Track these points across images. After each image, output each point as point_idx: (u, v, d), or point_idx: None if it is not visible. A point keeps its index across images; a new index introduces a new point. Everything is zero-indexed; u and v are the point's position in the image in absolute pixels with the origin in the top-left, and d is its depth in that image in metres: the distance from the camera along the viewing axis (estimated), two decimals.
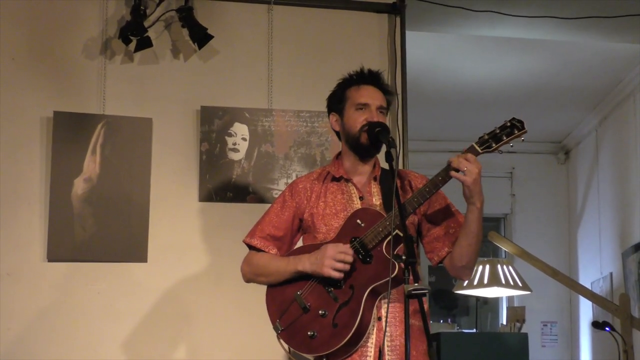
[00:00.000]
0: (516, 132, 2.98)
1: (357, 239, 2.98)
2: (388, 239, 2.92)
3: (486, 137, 2.98)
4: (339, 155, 3.25)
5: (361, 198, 3.12)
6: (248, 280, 3.21)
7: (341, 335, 2.91)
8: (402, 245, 2.86)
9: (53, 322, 4.19)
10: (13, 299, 4.17)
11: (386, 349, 2.95)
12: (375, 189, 3.15)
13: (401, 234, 2.85)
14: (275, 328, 3.02)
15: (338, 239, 3.02)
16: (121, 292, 4.27)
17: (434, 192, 2.97)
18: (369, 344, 2.96)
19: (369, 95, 3.14)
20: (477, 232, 2.99)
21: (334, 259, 2.93)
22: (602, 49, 6.28)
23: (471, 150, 2.97)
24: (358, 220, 3.01)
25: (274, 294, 3.09)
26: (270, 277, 3.10)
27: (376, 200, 3.11)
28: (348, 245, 2.96)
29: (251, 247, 3.20)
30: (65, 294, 4.23)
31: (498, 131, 2.98)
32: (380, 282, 2.91)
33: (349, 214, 3.06)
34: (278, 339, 3.03)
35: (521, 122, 3.00)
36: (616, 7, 5.18)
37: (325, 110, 3.29)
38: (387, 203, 3.06)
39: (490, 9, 5.19)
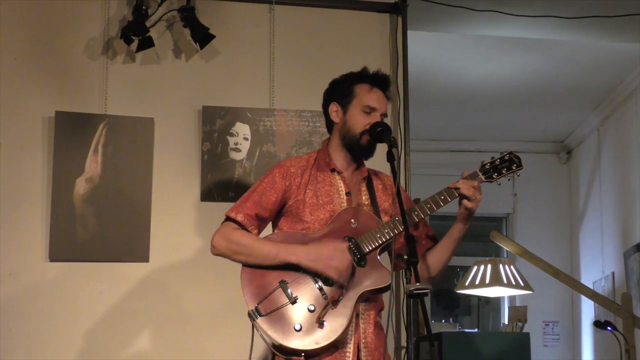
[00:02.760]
0: (514, 167, 3.12)
1: (354, 241, 2.98)
2: (384, 244, 2.97)
3: (488, 166, 3.10)
4: (327, 144, 3.22)
5: (348, 194, 3.12)
6: (220, 254, 3.10)
7: (326, 337, 2.90)
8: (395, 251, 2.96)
9: (55, 322, 4.19)
10: (15, 298, 4.18)
11: (361, 345, 2.99)
12: (363, 188, 3.16)
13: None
14: (254, 312, 2.95)
15: (329, 234, 3.01)
16: (123, 292, 4.27)
17: (435, 210, 3.04)
18: (348, 341, 2.97)
19: (379, 101, 3.14)
20: (453, 250, 3.13)
21: (341, 263, 2.92)
22: (604, 49, 6.28)
23: (474, 176, 3.08)
24: (352, 220, 3.02)
25: (251, 276, 3.00)
26: (251, 259, 3.01)
27: (365, 200, 3.14)
28: (349, 257, 2.95)
29: (232, 221, 3.11)
30: (67, 294, 4.23)
31: (498, 162, 3.11)
32: (372, 288, 2.94)
33: (336, 209, 3.06)
34: (252, 321, 2.96)
35: (519, 158, 3.13)
36: (618, 7, 5.18)
37: None
38: (374, 205, 3.11)
39: (492, 9, 5.19)
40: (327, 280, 2.95)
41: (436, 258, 3.13)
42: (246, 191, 3.17)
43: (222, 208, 4.32)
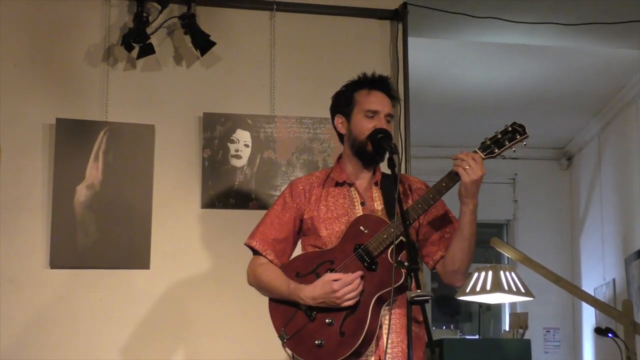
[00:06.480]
0: (518, 137, 2.99)
1: (362, 247, 2.97)
2: (393, 246, 2.91)
3: (488, 142, 2.98)
4: (339, 158, 3.23)
5: (362, 203, 3.10)
6: (251, 285, 3.18)
7: (349, 344, 2.89)
8: (405, 251, 2.87)
9: (55, 329, 4.19)
10: (15, 305, 4.17)
11: (387, 356, 2.93)
12: (376, 194, 3.13)
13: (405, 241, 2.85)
14: (281, 336, 3.00)
15: (341, 245, 3.01)
16: (123, 299, 4.27)
17: (438, 198, 2.97)
18: (368, 352, 2.93)
19: (379, 103, 3.10)
20: (470, 235, 2.98)
21: (345, 292, 2.90)
22: (605, 55, 6.28)
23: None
24: (361, 227, 3.00)
25: (276, 302, 3.07)
26: (272, 295, 3.08)
27: (377, 205, 3.10)
28: (350, 276, 2.93)
29: (251, 248, 3.17)
30: (68, 301, 4.23)
31: (500, 136, 2.99)
32: (386, 289, 2.89)
33: (351, 220, 3.04)
34: (284, 347, 3.00)
35: (522, 126, 3.01)
36: (618, 13, 5.19)
37: (328, 116, 3.26)
38: (388, 208, 3.06)
39: (492, 15, 5.20)
40: None
41: (451, 249, 3.03)
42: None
43: (223, 215, 4.37)
